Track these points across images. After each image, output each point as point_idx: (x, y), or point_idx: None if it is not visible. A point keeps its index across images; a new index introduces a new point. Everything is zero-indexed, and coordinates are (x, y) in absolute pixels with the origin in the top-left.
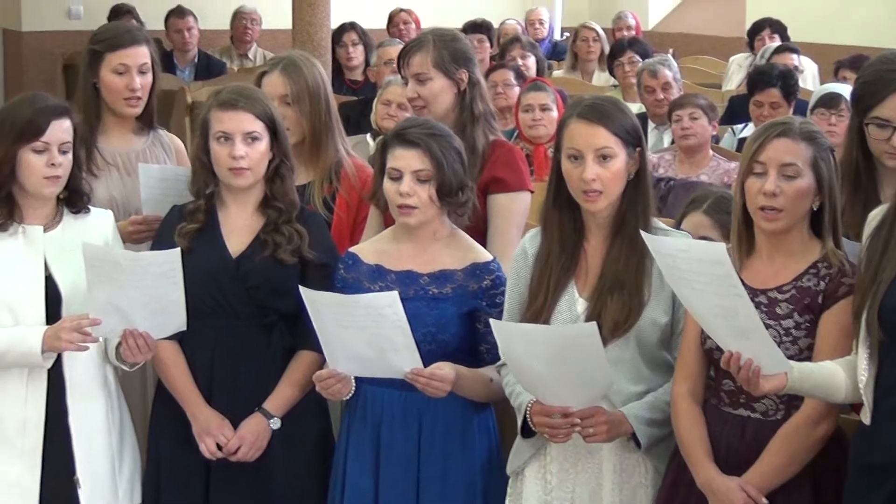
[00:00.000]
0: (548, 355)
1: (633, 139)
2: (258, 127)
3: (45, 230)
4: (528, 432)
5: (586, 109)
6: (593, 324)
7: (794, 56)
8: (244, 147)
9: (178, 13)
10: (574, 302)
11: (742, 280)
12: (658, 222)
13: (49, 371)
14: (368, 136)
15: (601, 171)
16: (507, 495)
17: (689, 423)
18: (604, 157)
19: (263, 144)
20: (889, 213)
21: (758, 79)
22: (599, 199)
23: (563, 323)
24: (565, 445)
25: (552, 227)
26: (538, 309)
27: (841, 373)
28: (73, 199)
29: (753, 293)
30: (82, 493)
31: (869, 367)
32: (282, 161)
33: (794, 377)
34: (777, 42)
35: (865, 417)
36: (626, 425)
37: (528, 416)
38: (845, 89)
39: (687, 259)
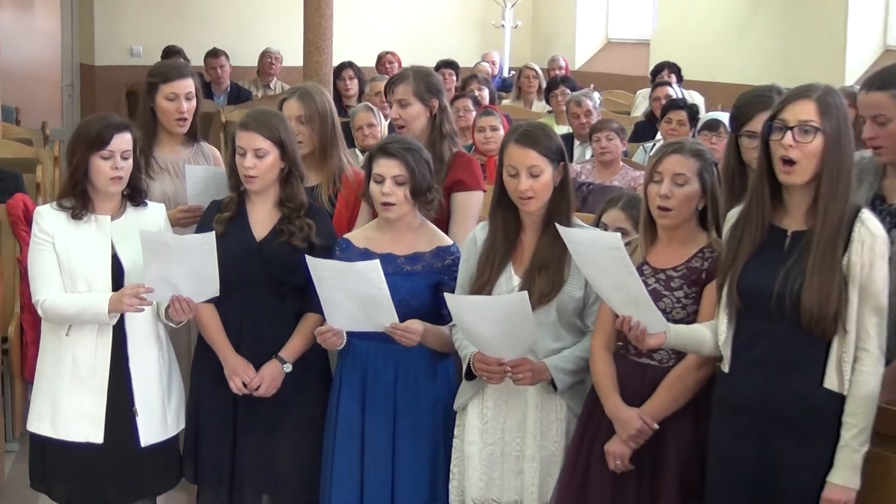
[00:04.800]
0: (488, 319)
1: (558, 156)
2: (265, 145)
3: (112, 219)
4: (470, 376)
5: (521, 135)
6: (525, 293)
7: (667, 88)
8: (253, 160)
9: (213, 54)
10: (511, 278)
11: (647, 262)
12: (577, 220)
13: (114, 327)
14: (357, 150)
15: (532, 183)
16: (455, 426)
17: (603, 367)
18: (535, 173)
19: (270, 159)
20: (743, 213)
21: (671, 103)
22: (531, 203)
23: (501, 294)
24: (499, 387)
25: (497, 222)
26: (483, 283)
27: (707, 333)
28: (134, 195)
29: (655, 272)
30: (139, 420)
31: (728, 328)
32: (290, 171)
33: (671, 336)
34: (674, 80)
35: (725, 367)
36: (547, 373)
37: (471, 363)
38: (724, 116)
39: (591, 246)
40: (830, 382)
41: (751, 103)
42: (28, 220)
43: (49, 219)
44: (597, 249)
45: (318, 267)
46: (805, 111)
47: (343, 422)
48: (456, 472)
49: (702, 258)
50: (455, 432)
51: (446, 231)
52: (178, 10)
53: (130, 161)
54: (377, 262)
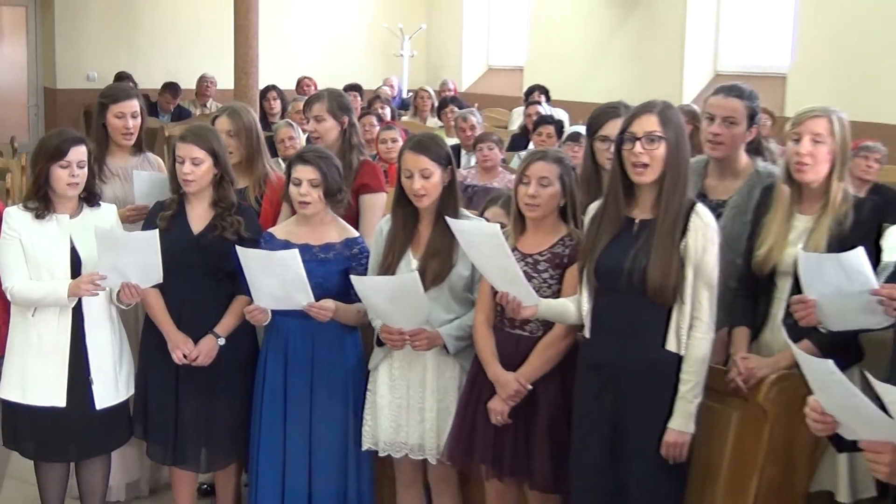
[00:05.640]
0: (387, 297)
1: (446, 161)
2: (200, 154)
3: (71, 218)
4: (381, 343)
5: (414, 144)
6: (416, 274)
7: (538, 106)
8: (190, 167)
9: (172, 90)
10: (410, 262)
11: (518, 248)
12: (465, 212)
13: (73, 309)
14: (279, 159)
15: (424, 183)
16: (368, 382)
17: (484, 339)
18: (426, 175)
19: (205, 166)
20: (601, 207)
21: (541, 119)
22: (423, 200)
23: (402, 273)
24: (404, 351)
25: (398, 216)
26: (387, 266)
27: (571, 305)
28: (90, 197)
29: (524, 256)
30: (95, 387)
31: (588, 301)
32: (222, 176)
33: (541, 308)
34: (543, 100)
35: (587, 333)
36: (440, 339)
37: (379, 333)
38: (584, 129)
39: (475, 234)
40: (670, 345)
41: (602, 114)
42: None
43: (17, 218)
44: (479, 237)
45: (247, 256)
46: (649, 123)
47: (269, 385)
48: (369, 419)
49: (563, 245)
50: (368, 387)
51: (355, 226)
52: (128, 41)
53: (86, 169)
54: (296, 251)
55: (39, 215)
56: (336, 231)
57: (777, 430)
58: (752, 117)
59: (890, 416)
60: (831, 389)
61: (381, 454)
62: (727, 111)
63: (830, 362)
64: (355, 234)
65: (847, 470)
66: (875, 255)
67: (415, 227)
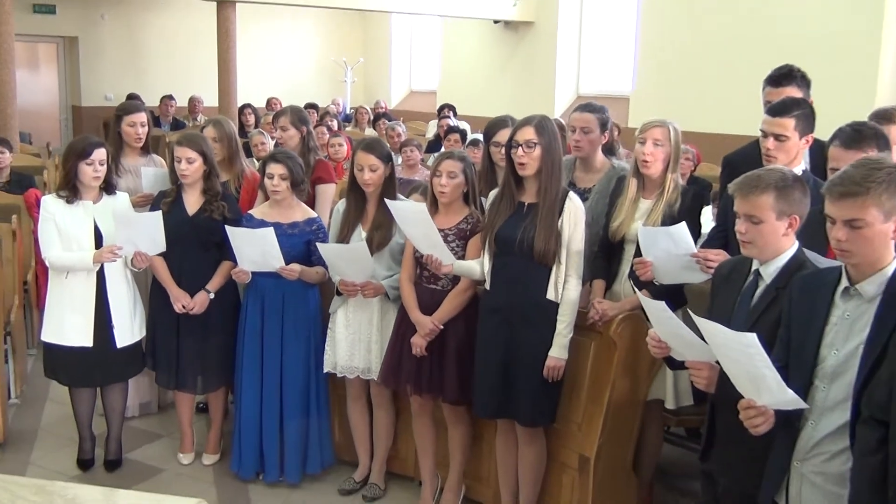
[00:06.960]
0: (342, 258)
1: (388, 158)
2: (193, 155)
3: (94, 203)
4: (339, 293)
5: (365, 145)
6: (363, 244)
7: (447, 119)
8: (186, 165)
9: (168, 97)
10: (360, 233)
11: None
12: (400, 196)
13: (97, 272)
14: (253, 159)
15: (372, 175)
16: (329, 322)
17: (408, 291)
18: (373, 169)
19: (197, 164)
20: (499, 193)
21: (450, 129)
22: (371, 187)
23: (354, 242)
24: (356, 298)
25: (350, 199)
26: (344, 236)
27: (476, 266)
28: (108, 188)
29: (438, 231)
30: (115, 331)
31: (489, 262)
32: (210, 171)
33: (455, 266)
34: (451, 115)
35: (487, 286)
36: (383, 289)
37: (338, 286)
38: (482, 136)
39: (407, 211)
40: (550, 294)
41: (495, 124)
42: (38, 206)
43: (52, 203)
44: (410, 213)
45: (234, 233)
46: (528, 133)
47: (249, 328)
48: (329, 349)
49: (466, 222)
50: (329, 325)
51: (313, 208)
52: (137, 70)
53: (105, 166)
54: (271, 229)
55: (69, 201)
56: (300, 212)
57: (624, 354)
58: (603, 125)
59: (706, 342)
60: (665, 323)
61: (339, 375)
62: (583, 122)
63: (664, 303)
64: (314, 214)
65: (672, 384)
66: (696, 229)
67: (364, 208)
